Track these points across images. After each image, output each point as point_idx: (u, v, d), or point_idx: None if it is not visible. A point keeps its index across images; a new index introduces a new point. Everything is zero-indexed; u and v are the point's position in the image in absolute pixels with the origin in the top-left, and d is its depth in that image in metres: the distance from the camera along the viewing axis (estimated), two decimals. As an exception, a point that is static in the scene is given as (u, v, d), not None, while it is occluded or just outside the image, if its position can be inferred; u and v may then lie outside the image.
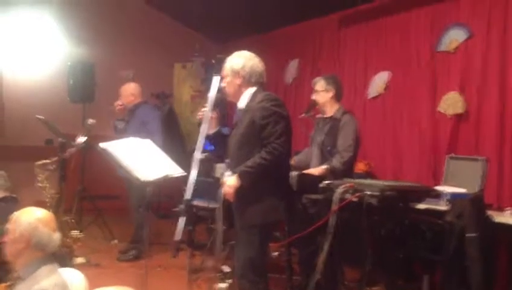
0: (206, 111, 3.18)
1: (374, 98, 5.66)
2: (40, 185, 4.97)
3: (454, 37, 4.79)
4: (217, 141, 3.31)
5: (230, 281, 4.35)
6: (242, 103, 3.16)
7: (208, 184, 5.15)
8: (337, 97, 4.27)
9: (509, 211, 3.69)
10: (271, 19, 7.17)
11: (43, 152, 7.25)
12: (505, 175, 4.32)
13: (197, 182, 4.83)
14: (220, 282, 4.36)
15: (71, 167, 4.89)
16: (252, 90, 3.15)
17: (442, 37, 4.92)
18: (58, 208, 4.51)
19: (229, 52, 8.93)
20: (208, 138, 3.25)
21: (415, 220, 3.49)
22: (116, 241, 6.07)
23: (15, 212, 2.56)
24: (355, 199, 3.21)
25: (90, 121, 4.84)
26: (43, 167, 5.04)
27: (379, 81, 5.61)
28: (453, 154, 4.59)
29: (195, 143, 7.91)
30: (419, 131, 5.12)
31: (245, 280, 2.99)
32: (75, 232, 4.95)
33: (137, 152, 3.37)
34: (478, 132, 4.57)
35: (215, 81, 2.87)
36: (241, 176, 2.96)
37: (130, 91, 5.56)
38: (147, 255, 3.75)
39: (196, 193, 5.42)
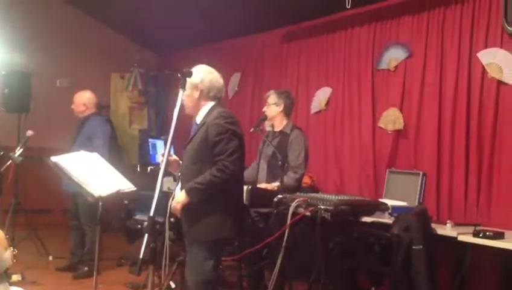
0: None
1: (316, 113, 5.79)
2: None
3: (394, 56, 5.00)
4: None
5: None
6: (199, 117, 3.14)
7: (153, 198, 5.09)
8: (287, 112, 4.34)
9: (449, 224, 3.86)
10: (213, 32, 7.18)
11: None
12: (442, 189, 4.52)
13: (143, 197, 4.79)
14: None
15: (7, 180, 4.68)
16: (209, 105, 3.11)
17: (382, 55, 5.12)
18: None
19: (169, 64, 8.91)
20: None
21: (364, 233, 3.60)
22: (51, 257, 5.84)
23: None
24: (308, 213, 3.27)
25: (29, 132, 4.68)
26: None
27: (321, 97, 5.75)
28: (393, 169, 4.79)
29: (133, 155, 7.79)
30: (360, 146, 5.28)
31: None
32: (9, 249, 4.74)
33: (88, 166, 3.28)
34: (416, 146, 4.77)
35: (180, 95, 2.82)
36: (190, 192, 2.94)
37: (82, 101, 5.37)
38: (97, 271, 3.56)
39: (140, 208, 5.42)
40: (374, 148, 5.14)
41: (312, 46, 6.00)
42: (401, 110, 4.89)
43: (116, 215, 6.86)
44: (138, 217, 5.45)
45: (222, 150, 2.93)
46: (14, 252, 4.74)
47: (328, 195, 3.52)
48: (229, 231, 3.00)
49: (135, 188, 3.35)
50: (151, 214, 2.31)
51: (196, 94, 3.09)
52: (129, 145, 8.09)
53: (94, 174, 3.24)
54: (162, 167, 2.53)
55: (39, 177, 5.96)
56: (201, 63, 6.56)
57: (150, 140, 5.53)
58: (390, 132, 4.96)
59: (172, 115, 7.71)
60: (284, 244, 3.24)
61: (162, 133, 8.32)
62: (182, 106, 2.69)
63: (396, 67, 4.98)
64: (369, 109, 5.21)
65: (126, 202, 5.75)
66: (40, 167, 5.39)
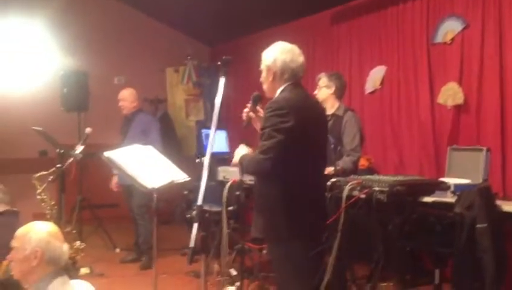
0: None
1: (371, 93, 5.65)
2: (39, 197, 4.93)
3: (450, 28, 4.79)
4: None
5: (238, 283, 4.32)
6: None
7: (210, 188, 5.12)
8: (339, 94, 4.23)
9: (516, 200, 3.68)
10: (262, 19, 7.13)
11: (37, 164, 7.23)
12: (507, 164, 4.32)
13: (198, 186, 4.83)
14: (229, 285, 4.32)
15: (70, 177, 4.83)
16: (282, 87, 2.85)
17: (437, 28, 4.91)
18: (59, 219, 4.46)
19: (221, 54, 8.92)
20: None
21: (424, 213, 3.47)
22: (118, 249, 6.02)
23: (19, 229, 2.50)
24: (363, 196, 3.18)
25: (88, 129, 4.80)
26: (41, 179, 5.00)
27: (375, 76, 5.60)
28: (455, 146, 4.58)
29: (191, 147, 7.89)
30: (419, 124, 5.11)
31: None
32: (77, 243, 4.91)
33: (141, 159, 3.32)
34: (479, 122, 4.57)
35: (221, 83, 2.76)
36: (240, 159, 2.85)
37: (134, 97, 5.55)
38: (155, 262, 3.61)
39: (207, 198, 5.47)
40: (434, 126, 4.95)
41: (362, 26, 5.85)
42: (460, 84, 4.68)
43: (178, 207, 6.99)
44: (206, 207, 5.49)
45: (261, 144, 2.69)
46: (82, 247, 4.94)
47: (383, 176, 3.41)
48: (286, 233, 2.77)
49: (189, 178, 3.36)
50: (199, 203, 2.29)
51: (270, 77, 2.87)
52: (187, 137, 8.21)
53: (147, 166, 3.27)
54: (207, 158, 2.50)
55: (101, 173, 6.15)
56: (250, 51, 6.57)
57: (203, 131, 5.56)
58: (450, 108, 4.76)
59: (227, 105, 7.77)
60: (339, 227, 3.15)
61: (220, 123, 8.38)
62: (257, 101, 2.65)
63: (452, 39, 4.76)
64: (426, 85, 5.02)
65: (186, 192, 5.83)
66: (101, 163, 5.59)
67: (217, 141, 5.55)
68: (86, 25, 7.57)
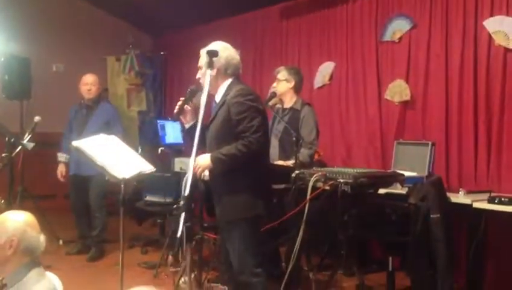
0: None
1: (320, 88, 5.80)
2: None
3: (398, 27, 5.00)
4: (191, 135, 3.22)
5: (194, 274, 4.33)
6: (218, 95, 3.11)
7: (165, 179, 5.12)
8: (297, 88, 4.34)
9: (462, 192, 3.92)
10: (208, 12, 7.12)
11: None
12: (451, 158, 4.57)
13: (154, 177, 4.80)
14: (182, 275, 4.32)
15: (17, 167, 4.66)
16: (227, 82, 3.09)
17: (386, 27, 5.11)
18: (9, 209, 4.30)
19: (164, 44, 8.87)
20: (183, 131, 3.19)
21: (380, 204, 3.64)
22: (61, 241, 5.86)
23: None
24: (327, 187, 3.30)
25: (37, 118, 4.66)
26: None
27: (324, 72, 5.75)
28: (401, 140, 4.81)
29: (133, 137, 7.76)
30: (366, 118, 5.31)
31: (245, 275, 2.96)
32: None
33: (109, 149, 3.28)
34: (424, 117, 4.81)
35: (208, 75, 2.80)
36: (214, 160, 2.92)
37: (97, 81, 5.38)
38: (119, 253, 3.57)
39: (150, 189, 5.43)
40: (381, 121, 5.17)
41: (311, 22, 5.98)
42: (407, 82, 4.91)
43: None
44: (148, 198, 5.46)
45: (246, 127, 2.90)
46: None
47: (345, 169, 3.55)
48: (261, 208, 2.98)
49: (155, 169, 3.35)
50: (186, 193, 2.31)
51: (214, 71, 3.03)
52: (129, 127, 8.05)
53: (115, 156, 3.24)
54: (194, 150, 2.52)
55: (42, 163, 5.97)
56: (196, 43, 6.53)
57: (158, 121, 5.52)
58: (397, 104, 4.98)
59: (170, 95, 7.75)
60: (304, 218, 3.25)
61: (161, 114, 8.33)
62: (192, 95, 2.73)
63: (400, 38, 4.98)
64: (374, 82, 5.23)
65: (135, 183, 5.76)
66: (42, 153, 5.41)
67: (171, 132, 5.56)
68: (25, 10, 7.26)
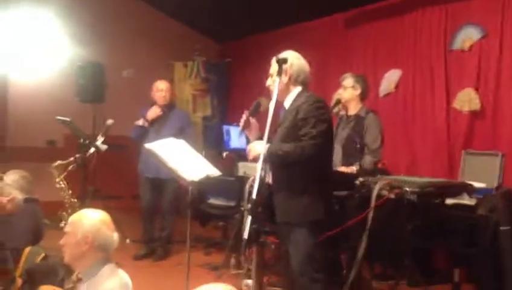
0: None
1: (385, 96, 5.74)
2: (58, 185, 4.97)
3: (469, 36, 4.90)
4: None
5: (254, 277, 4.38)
6: (287, 102, 3.17)
7: (228, 183, 5.21)
8: (363, 96, 4.34)
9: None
10: (273, 19, 7.19)
11: (44, 153, 7.30)
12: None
13: (217, 181, 4.90)
14: (246, 278, 4.39)
15: (90, 168, 4.85)
16: (297, 89, 3.15)
17: (455, 35, 5.02)
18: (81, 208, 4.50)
19: (229, 51, 9.02)
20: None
21: (446, 214, 3.57)
22: (128, 240, 6.05)
23: (72, 215, 2.57)
24: (392, 196, 3.28)
25: (110, 121, 4.82)
26: (60, 168, 5.03)
27: (390, 79, 5.70)
28: (469, 150, 4.70)
29: (197, 142, 7.93)
30: (433, 127, 5.21)
31: (305, 278, 2.99)
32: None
33: (178, 152, 3.39)
34: (494, 127, 4.68)
35: (277, 83, 2.86)
36: (270, 150, 2.93)
37: (170, 91, 5.56)
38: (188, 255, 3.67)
39: (214, 192, 5.54)
40: (448, 130, 5.06)
41: (377, 30, 5.94)
42: (477, 91, 4.80)
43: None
44: (212, 201, 5.57)
45: (306, 131, 2.95)
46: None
47: (411, 177, 3.51)
48: (322, 213, 3.01)
49: (221, 173, 3.43)
50: (254, 196, 2.36)
51: (285, 79, 3.10)
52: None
53: (184, 160, 3.34)
54: (261, 156, 2.57)
55: (111, 165, 6.19)
56: (261, 50, 6.59)
57: (224, 126, 5.64)
58: (465, 113, 4.87)
59: (233, 101, 7.85)
60: (368, 227, 3.24)
61: (225, 120, 8.48)
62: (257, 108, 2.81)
63: (471, 47, 4.87)
64: (442, 90, 5.13)
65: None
66: (111, 155, 5.62)
67: (236, 137, 5.65)
68: (97, 18, 7.59)
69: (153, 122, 5.44)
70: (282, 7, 6.78)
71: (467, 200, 3.85)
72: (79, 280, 2.49)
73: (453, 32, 5.05)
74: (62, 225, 4.90)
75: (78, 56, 6.79)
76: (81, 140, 4.48)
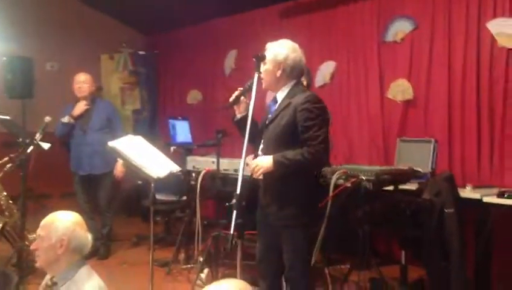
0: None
1: (321, 87, 5.90)
2: (-8, 186, 4.74)
3: (401, 28, 5.15)
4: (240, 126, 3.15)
5: (207, 270, 4.41)
6: (280, 96, 3.08)
7: (175, 177, 5.15)
8: (308, 87, 4.42)
9: (469, 187, 4.09)
10: (206, 9, 7.15)
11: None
12: (454, 154, 4.74)
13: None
14: (198, 272, 4.41)
15: (30, 167, 4.64)
16: (291, 84, 3.05)
17: (387, 28, 5.26)
18: (23, 211, 4.32)
19: (157, 43, 8.87)
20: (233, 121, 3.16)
21: (396, 200, 3.76)
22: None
23: (44, 219, 2.48)
24: (349, 185, 3.40)
25: (47, 118, 4.64)
26: (-3, 168, 4.79)
27: (325, 71, 5.87)
28: (404, 137, 4.96)
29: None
30: (368, 116, 5.44)
31: (294, 272, 3.01)
32: (32, 236, 4.76)
33: (139, 150, 3.34)
34: (427, 115, 4.97)
35: (256, 79, 2.84)
36: (277, 163, 2.85)
37: (91, 82, 5.44)
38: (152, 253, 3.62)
39: (158, 187, 5.47)
40: (383, 119, 5.31)
41: (311, 22, 6.09)
42: (409, 81, 5.06)
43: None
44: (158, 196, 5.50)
45: (313, 136, 2.87)
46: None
47: (365, 166, 3.66)
48: (317, 214, 2.97)
49: (181, 169, 3.42)
50: (238, 192, 2.38)
51: (279, 72, 3.00)
52: (124, 126, 8.06)
53: (146, 156, 3.30)
54: (244, 150, 2.57)
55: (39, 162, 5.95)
56: (189, 41, 6.50)
57: (170, 120, 5.56)
58: (399, 102, 5.12)
59: (163, 94, 7.75)
60: (326, 214, 3.35)
61: (155, 113, 8.37)
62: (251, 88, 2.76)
63: (403, 39, 5.13)
64: (376, 81, 5.37)
65: (139, 182, 5.81)
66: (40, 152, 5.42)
67: (181, 131, 5.61)
68: (22, 11, 7.20)
69: (78, 117, 5.31)
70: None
71: (408, 185, 4.08)
72: (54, 284, 2.42)
73: (385, 24, 5.28)
74: (-1, 228, 4.70)
75: (1, 50, 6.44)
76: (20, 139, 4.27)
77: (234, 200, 2.36)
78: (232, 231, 2.29)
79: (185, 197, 5.50)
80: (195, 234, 4.54)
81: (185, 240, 4.87)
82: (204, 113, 7.43)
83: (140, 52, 8.39)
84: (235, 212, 2.34)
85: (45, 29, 7.47)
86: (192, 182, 4.89)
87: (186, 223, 4.80)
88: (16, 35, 6.88)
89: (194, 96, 7.79)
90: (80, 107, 5.25)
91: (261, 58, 2.92)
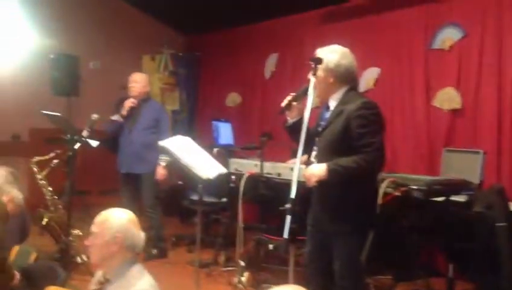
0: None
1: (363, 93, 5.82)
2: (42, 182, 4.82)
3: (449, 36, 5.05)
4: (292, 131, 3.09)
5: (247, 274, 4.40)
6: (332, 102, 3.01)
7: (215, 179, 5.16)
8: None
9: (519, 201, 3.98)
10: (247, 12, 7.15)
11: (9, 147, 7.02)
12: (503, 167, 4.61)
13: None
14: (239, 275, 4.39)
15: (77, 164, 4.69)
16: (343, 89, 2.98)
17: (435, 35, 5.16)
18: (69, 207, 4.38)
19: (198, 44, 8.89)
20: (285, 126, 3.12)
21: (446, 211, 3.69)
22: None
23: (98, 215, 2.49)
24: (398, 194, 3.35)
25: (95, 116, 4.72)
26: (42, 164, 4.88)
27: (368, 77, 5.79)
28: (450, 147, 4.86)
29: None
30: (413, 124, 5.34)
31: (346, 281, 2.93)
32: (75, 231, 4.83)
33: (189, 150, 3.34)
34: (475, 126, 4.84)
35: (312, 83, 2.81)
36: (331, 171, 2.78)
37: (143, 82, 5.44)
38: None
39: (192, 188, 5.47)
40: (428, 127, 5.20)
41: (354, 28, 6.01)
42: (457, 90, 4.96)
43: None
44: (194, 197, 5.51)
45: (368, 142, 2.79)
46: (80, 234, 4.85)
47: (414, 175, 3.60)
48: (373, 220, 2.94)
49: (227, 171, 3.41)
50: (293, 196, 2.36)
51: (331, 79, 2.95)
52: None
53: (195, 157, 3.30)
54: (299, 154, 2.54)
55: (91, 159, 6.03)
56: (231, 44, 6.41)
57: (214, 122, 5.58)
58: (446, 111, 5.02)
59: (203, 96, 7.75)
60: (375, 223, 3.29)
61: (193, 114, 8.41)
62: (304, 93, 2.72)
63: (451, 47, 5.03)
64: (422, 88, 5.27)
65: (180, 182, 5.82)
66: (90, 150, 5.49)
67: (224, 133, 5.62)
68: (65, 7, 7.34)
69: (127, 116, 5.33)
70: (255, 2, 6.77)
71: (456, 197, 3.99)
72: (107, 280, 2.43)
73: (433, 31, 5.19)
74: (44, 222, 4.78)
75: (46, 48, 6.55)
76: (68, 135, 4.33)
77: (288, 205, 2.32)
78: (286, 236, 2.25)
79: (224, 199, 5.49)
80: (235, 236, 4.54)
81: (225, 242, 4.85)
82: (244, 116, 7.42)
83: (181, 54, 8.46)
84: (289, 217, 2.30)
85: (90, 28, 7.59)
86: (232, 185, 4.89)
87: (227, 225, 4.78)
88: (62, 32, 7.00)
89: (233, 99, 7.79)
90: (127, 104, 5.28)
91: (319, 61, 2.87)
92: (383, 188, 3.34)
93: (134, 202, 5.30)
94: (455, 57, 5.02)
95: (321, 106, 3.19)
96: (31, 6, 6.91)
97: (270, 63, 7.15)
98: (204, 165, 3.29)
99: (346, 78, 2.98)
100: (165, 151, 3.30)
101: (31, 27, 6.96)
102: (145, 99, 5.43)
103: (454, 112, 4.99)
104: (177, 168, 4.11)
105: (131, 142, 5.24)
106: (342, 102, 2.96)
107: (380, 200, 3.31)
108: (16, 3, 6.70)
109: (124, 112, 5.28)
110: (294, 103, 3.07)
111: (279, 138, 4.79)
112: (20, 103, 6.77)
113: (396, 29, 5.58)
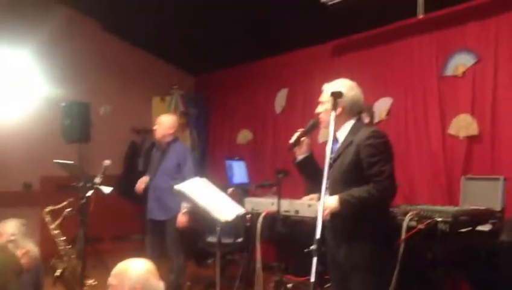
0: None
1: (376, 124, 5.76)
2: (55, 232, 4.75)
3: (462, 62, 4.99)
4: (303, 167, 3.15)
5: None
6: (341, 134, 3.03)
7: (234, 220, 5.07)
8: (371, 124, 4.34)
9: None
10: (253, 49, 7.18)
11: (21, 197, 7.00)
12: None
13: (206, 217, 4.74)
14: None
15: (90, 211, 4.63)
16: (351, 121, 3.03)
17: (447, 62, 5.11)
18: (83, 257, 4.29)
19: (207, 84, 8.92)
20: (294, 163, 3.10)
21: (472, 242, 3.57)
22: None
23: (116, 267, 2.42)
24: (422, 227, 3.24)
25: (107, 162, 4.65)
26: (54, 213, 4.82)
27: (381, 107, 5.73)
28: (469, 175, 4.74)
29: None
30: (429, 154, 5.24)
31: None
32: (90, 281, 4.73)
33: (206, 192, 3.27)
34: (493, 151, 4.74)
35: (333, 117, 2.76)
36: (344, 202, 2.79)
37: (172, 123, 5.23)
38: None
39: (212, 229, 5.37)
40: (445, 156, 5.10)
41: (365, 58, 5.99)
42: (472, 116, 4.87)
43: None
44: (210, 239, 5.41)
45: (379, 171, 2.81)
46: (95, 283, 4.76)
47: (438, 207, 3.50)
48: (390, 255, 2.90)
49: (246, 211, 3.33)
50: (317, 236, 2.27)
51: (338, 110, 2.95)
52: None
53: (213, 199, 3.23)
54: (322, 195, 2.46)
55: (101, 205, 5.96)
56: (245, 80, 6.36)
57: (227, 161, 5.51)
58: (462, 139, 4.93)
59: (213, 134, 7.69)
60: (399, 259, 3.18)
61: (205, 154, 8.36)
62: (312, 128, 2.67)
63: (464, 73, 4.97)
64: (436, 116, 5.19)
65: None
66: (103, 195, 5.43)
67: (237, 171, 5.54)
68: (72, 56, 7.38)
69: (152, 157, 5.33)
70: (262, 38, 6.79)
71: (481, 226, 3.87)
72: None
73: (444, 58, 5.14)
74: (57, 273, 4.70)
75: (57, 96, 6.58)
76: (81, 183, 4.27)
77: (314, 246, 2.23)
78: (312, 279, 2.16)
79: (240, 239, 5.38)
80: (252, 277, 4.42)
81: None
82: (255, 153, 7.36)
83: (191, 94, 8.48)
84: (315, 258, 2.21)
85: (101, 74, 7.66)
86: (248, 224, 4.79)
87: (244, 266, 4.66)
88: (73, 80, 7.05)
89: (244, 136, 7.75)
90: (139, 184, 5.25)
91: (339, 95, 2.83)
92: (406, 221, 3.24)
93: (159, 246, 5.15)
94: (469, 83, 4.94)
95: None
96: (42, 56, 6.98)
97: (281, 98, 7.13)
98: (222, 206, 3.22)
99: (353, 110, 3.05)
100: (180, 194, 3.22)
101: (42, 76, 7.03)
102: (169, 142, 5.21)
103: (470, 138, 4.89)
104: (195, 211, 4.00)
105: (153, 188, 5.11)
106: (350, 133, 3.00)
107: (403, 235, 3.23)
108: (27, 52, 6.76)
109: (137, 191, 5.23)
110: (303, 139, 3.12)
111: (291, 175, 4.72)
112: (31, 151, 6.79)
113: (407, 57, 5.54)
